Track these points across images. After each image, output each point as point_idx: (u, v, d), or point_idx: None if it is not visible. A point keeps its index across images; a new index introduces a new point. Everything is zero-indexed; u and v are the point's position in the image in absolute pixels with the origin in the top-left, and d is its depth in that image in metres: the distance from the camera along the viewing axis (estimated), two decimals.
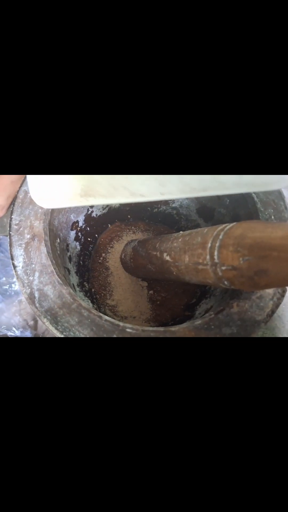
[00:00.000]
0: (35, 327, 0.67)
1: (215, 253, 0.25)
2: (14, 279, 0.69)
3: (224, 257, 0.24)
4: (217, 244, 0.25)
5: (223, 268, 0.24)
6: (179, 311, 0.51)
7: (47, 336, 0.67)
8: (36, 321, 0.67)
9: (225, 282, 0.25)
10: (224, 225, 0.26)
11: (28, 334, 0.64)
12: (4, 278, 0.69)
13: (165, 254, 0.33)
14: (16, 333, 0.64)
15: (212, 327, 0.28)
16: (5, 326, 0.64)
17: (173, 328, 0.28)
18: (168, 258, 0.32)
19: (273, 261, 0.21)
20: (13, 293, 0.68)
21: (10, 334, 0.63)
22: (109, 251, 0.55)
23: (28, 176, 0.29)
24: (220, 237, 0.25)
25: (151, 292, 0.52)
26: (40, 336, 0.68)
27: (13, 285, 0.69)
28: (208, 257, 0.25)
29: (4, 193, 0.67)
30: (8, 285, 0.69)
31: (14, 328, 0.65)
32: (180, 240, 0.31)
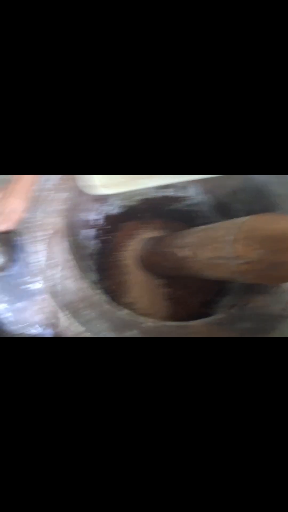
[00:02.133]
0: (56, 324, 0.69)
1: (230, 247, 0.25)
2: (36, 278, 0.72)
3: (239, 251, 0.24)
4: (232, 238, 0.25)
5: (238, 262, 0.24)
6: (196, 309, 0.51)
7: (68, 333, 0.69)
8: (58, 319, 0.69)
9: (241, 276, 0.25)
10: (239, 219, 0.26)
11: (50, 331, 0.66)
12: (27, 277, 0.71)
13: (181, 250, 0.33)
14: (39, 330, 0.66)
15: (227, 322, 0.29)
16: (28, 323, 0.66)
17: (188, 324, 0.29)
18: (184, 254, 0.32)
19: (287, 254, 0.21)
20: (36, 291, 0.70)
21: (33, 331, 0.66)
22: (126, 249, 0.56)
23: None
24: (235, 230, 0.25)
25: (167, 290, 0.52)
26: (62, 334, 0.70)
27: (36, 284, 0.71)
28: (223, 251, 0.26)
29: (27, 194, 0.70)
30: (31, 284, 0.72)
31: (37, 325, 0.67)
32: (195, 235, 0.31)
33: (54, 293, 0.30)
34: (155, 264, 0.43)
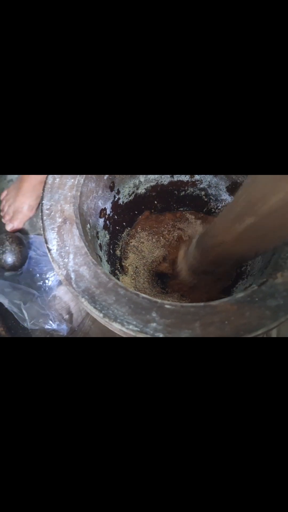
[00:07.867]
0: (70, 320, 0.68)
1: None
2: (48, 275, 0.71)
3: None
4: None
5: None
6: (215, 295, 0.49)
7: (82, 327, 0.68)
8: (71, 315, 0.68)
9: None
10: None
11: (64, 327, 0.66)
12: (38, 275, 0.71)
13: (241, 223, 0.27)
14: (53, 326, 0.65)
15: (256, 299, 0.27)
16: (42, 320, 0.66)
17: (213, 303, 0.27)
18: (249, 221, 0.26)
19: None
20: (47, 288, 0.70)
21: (47, 327, 0.65)
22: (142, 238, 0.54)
23: None
24: None
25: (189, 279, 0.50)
26: (76, 329, 0.69)
27: (47, 281, 0.71)
28: None
29: (33, 193, 0.68)
30: (42, 281, 0.71)
31: (50, 322, 0.66)
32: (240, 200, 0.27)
33: (68, 281, 0.29)
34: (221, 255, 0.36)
